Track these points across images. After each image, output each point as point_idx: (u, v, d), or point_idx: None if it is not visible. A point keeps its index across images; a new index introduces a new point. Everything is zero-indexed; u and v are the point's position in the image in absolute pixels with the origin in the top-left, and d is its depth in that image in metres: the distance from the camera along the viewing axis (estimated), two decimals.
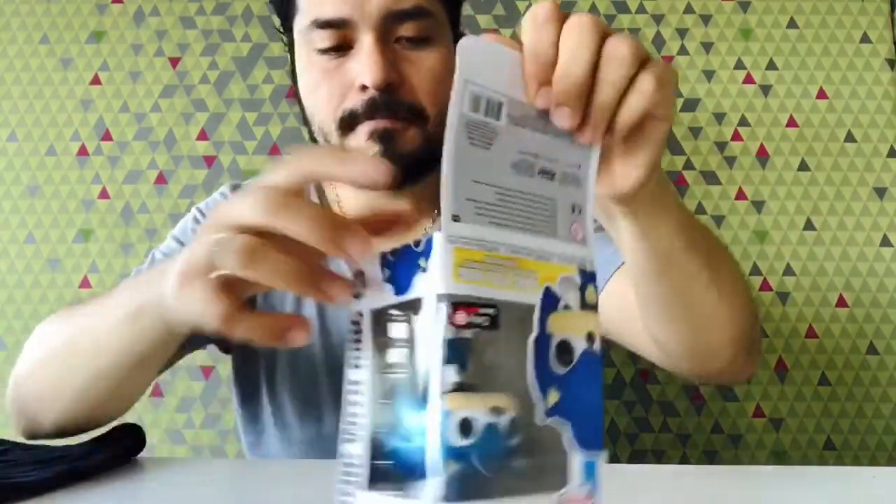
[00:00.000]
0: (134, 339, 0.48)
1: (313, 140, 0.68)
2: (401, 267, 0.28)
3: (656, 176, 0.38)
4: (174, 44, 1.21)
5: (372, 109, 0.62)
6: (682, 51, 1.18)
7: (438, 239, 0.26)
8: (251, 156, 1.19)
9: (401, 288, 0.27)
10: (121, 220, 1.18)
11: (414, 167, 0.64)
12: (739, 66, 1.18)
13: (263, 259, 0.29)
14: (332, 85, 0.63)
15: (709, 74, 1.18)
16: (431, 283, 0.26)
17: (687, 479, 0.54)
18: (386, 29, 0.62)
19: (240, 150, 1.19)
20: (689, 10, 1.19)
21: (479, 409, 0.25)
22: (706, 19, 1.19)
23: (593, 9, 1.20)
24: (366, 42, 0.61)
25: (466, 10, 1.23)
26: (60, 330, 0.57)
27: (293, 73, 0.69)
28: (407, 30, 0.63)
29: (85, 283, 1.16)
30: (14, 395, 0.58)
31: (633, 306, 0.53)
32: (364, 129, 0.62)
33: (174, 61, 1.21)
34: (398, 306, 0.27)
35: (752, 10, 1.19)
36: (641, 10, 1.20)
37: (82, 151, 1.19)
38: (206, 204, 0.77)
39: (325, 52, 0.63)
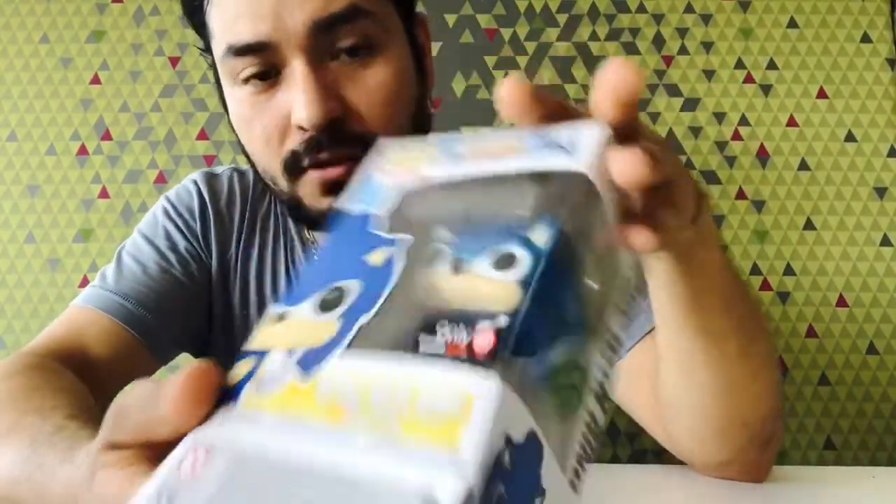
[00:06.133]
0: None
1: (257, 175, 0.60)
2: None
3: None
4: (174, 43, 1.21)
5: (315, 149, 0.52)
6: (682, 50, 1.18)
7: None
8: None
9: None
10: (121, 219, 1.18)
11: None
12: (739, 65, 1.18)
13: None
14: (266, 123, 0.54)
15: (709, 74, 1.18)
16: None
17: (687, 479, 0.54)
18: (318, 44, 0.51)
19: (240, 150, 1.19)
20: (689, 9, 1.19)
21: None
22: (706, 19, 1.19)
23: (593, 9, 1.20)
24: (296, 69, 0.51)
25: (466, 9, 1.23)
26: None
27: (222, 101, 0.59)
28: (345, 39, 0.51)
29: (85, 283, 1.16)
30: None
31: (647, 373, 0.49)
32: (313, 178, 0.54)
33: (174, 61, 1.21)
34: None
35: (752, 9, 1.19)
36: (641, 9, 1.20)
37: (82, 151, 1.19)
38: (175, 193, 0.68)
39: (248, 81, 0.53)
